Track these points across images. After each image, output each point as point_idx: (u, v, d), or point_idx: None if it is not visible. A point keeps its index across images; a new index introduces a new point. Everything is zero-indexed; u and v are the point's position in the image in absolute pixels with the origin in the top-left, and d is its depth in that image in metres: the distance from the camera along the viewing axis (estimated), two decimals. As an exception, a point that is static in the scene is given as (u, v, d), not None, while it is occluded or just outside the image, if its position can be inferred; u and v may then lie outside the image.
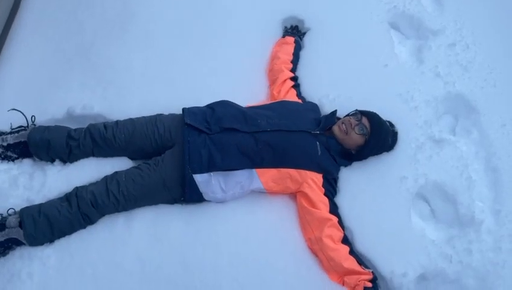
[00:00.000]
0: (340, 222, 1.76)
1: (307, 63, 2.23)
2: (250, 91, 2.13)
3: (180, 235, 1.69)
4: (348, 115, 1.91)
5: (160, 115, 1.86)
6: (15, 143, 1.74)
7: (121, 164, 1.82)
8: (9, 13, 2.39)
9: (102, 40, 2.20)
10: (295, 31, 2.40)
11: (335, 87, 2.13)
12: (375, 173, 1.87)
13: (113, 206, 1.65)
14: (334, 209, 1.77)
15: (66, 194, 1.66)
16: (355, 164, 1.90)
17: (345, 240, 1.72)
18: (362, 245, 1.73)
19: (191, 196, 1.71)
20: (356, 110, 1.89)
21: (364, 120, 1.84)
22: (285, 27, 2.43)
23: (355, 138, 1.82)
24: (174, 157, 1.73)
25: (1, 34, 2.26)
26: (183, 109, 1.83)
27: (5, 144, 1.73)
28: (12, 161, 1.77)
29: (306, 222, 1.75)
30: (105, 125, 1.79)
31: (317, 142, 1.80)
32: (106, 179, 1.69)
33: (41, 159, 1.79)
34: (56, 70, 2.05)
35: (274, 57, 2.21)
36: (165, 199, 1.73)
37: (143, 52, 2.15)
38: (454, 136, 2.06)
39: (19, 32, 2.20)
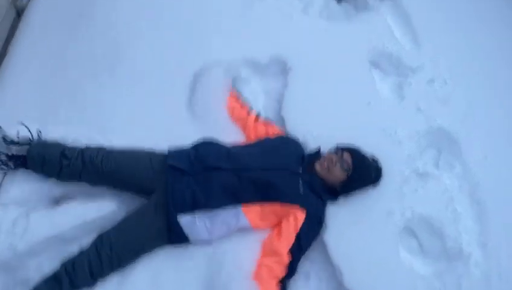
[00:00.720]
0: (292, 266, 1.73)
1: (291, 101, 2.27)
2: (234, 131, 2.16)
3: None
4: (329, 152, 1.93)
5: (152, 154, 1.87)
6: (17, 155, 1.82)
7: (105, 207, 1.82)
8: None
9: (88, 79, 2.24)
10: None
11: (319, 124, 2.16)
12: (362, 207, 1.88)
13: (109, 269, 1.65)
14: (296, 251, 1.74)
15: (55, 273, 1.62)
16: (342, 200, 1.91)
17: (283, 283, 1.70)
18: (350, 281, 1.72)
19: (176, 239, 1.71)
20: (337, 146, 1.92)
21: (346, 155, 1.86)
22: None
23: (337, 174, 1.84)
24: (159, 201, 1.73)
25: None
26: (168, 151, 1.85)
27: (10, 153, 1.82)
28: (8, 169, 1.85)
29: (263, 244, 1.76)
30: (99, 151, 1.83)
31: (300, 181, 1.81)
32: (96, 245, 1.66)
33: (36, 173, 1.85)
34: (43, 107, 2.07)
35: (232, 117, 2.20)
36: (155, 246, 1.72)
37: (129, 92, 2.19)
38: (437, 169, 2.10)
39: (9, 69, 2.27)
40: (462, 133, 2.17)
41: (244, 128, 2.15)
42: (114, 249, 1.63)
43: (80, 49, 2.41)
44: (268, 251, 1.74)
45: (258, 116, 2.17)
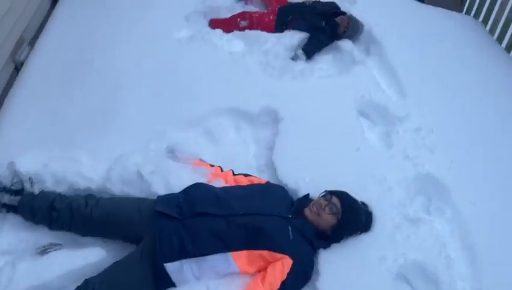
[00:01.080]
0: None
1: (283, 149, 2.32)
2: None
3: None
4: (318, 197, 1.94)
5: (142, 202, 1.87)
6: (9, 205, 1.89)
7: (93, 256, 1.79)
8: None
9: (82, 133, 2.28)
10: None
11: (310, 170, 2.19)
12: (355, 254, 1.87)
13: None
14: None
15: None
16: (334, 246, 1.89)
17: None
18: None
19: (163, 286, 1.67)
20: (326, 190, 1.94)
21: (335, 199, 1.87)
22: None
23: (327, 218, 1.84)
24: (145, 248, 1.72)
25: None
26: (157, 197, 1.87)
27: (2, 201, 1.89)
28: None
29: (247, 288, 1.70)
30: (87, 200, 1.84)
31: (289, 227, 1.80)
32: None
33: (28, 221, 1.90)
34: (37, 155, 2.07)
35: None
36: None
37: (121, 143, 2.22)
38: (429, 215, 2.11)
39: (5, 119, 2.34)
40: (450, 179, 2.21)
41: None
42: None
43: (76, 104, 2.49)
44: None
45: (233, 172, 2.14)
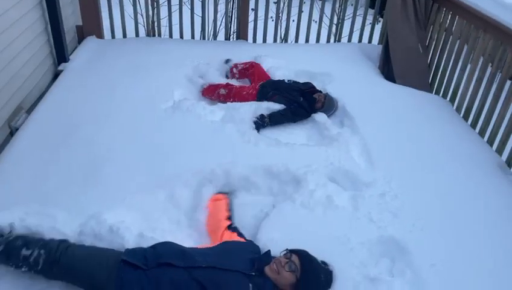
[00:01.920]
0: None
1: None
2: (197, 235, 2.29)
3: None
4: (279, 255, 2.00)
5: (107, 251, 1.95)
6: None
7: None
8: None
9: (62, 191, 2.44)
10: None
11: (277, 230, 2.29)
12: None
13: None
14: None
15: None
16: (295, 304, 1.93)
17: None
18: None
19: None
20: (286, 249, 2.01)
21: (294, 257, 1.94)
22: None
23: (286, 276, 1.89)
24: None
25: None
26: (125, 249, 1.96)
27: None
28: None
29: None
30: (59, 245, 1.92)
31: (250, 284, 1.86)
32: None
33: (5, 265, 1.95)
34: (13, 214, 2.16)
35: (210, 215, 2.41)
36: None
37: (98, 203, 2.34)
38: (392, 277, 2.16)
39: None
40: (411, 242, 2.28)
41: (213, 231, 2.28)
42: None
43: (61, 164, 2.70)
44: None
45: (230, 225, 2.30)
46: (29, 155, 2.77)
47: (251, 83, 3.93)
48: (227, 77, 4.09)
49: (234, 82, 3.98)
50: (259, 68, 4.02)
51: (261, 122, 3.32)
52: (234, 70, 4.08)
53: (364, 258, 2.19)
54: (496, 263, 2.25)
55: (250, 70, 4.00)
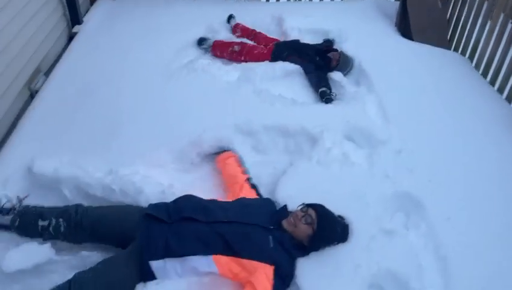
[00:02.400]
0: None
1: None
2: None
3: None
4: (296, 209, 2.06)
5: (129, 207, 2.03)
6: (2, 225, 2.03)
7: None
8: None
9: (85, 149, 2.51)
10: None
11: (294, 187, 2.35)
12: (331, 261, 1.97)
13: None
14: None
15: None
16: (312, 254, 2.00)
17: None
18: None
19: (147, 279, 1.82)
20: (303, 203, 2.06)
21: (311, 211, 2.00)
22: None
23: (303, 229, 1.96)
24: (134, 247, 1.87)
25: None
26: (149, 204, 2.03)
27: None
28: None
29: None
30: (77, 210, 1.97)
31: (270, 236, 1.93)
32: (69, 282, 1.76)
33: (21, 237, 2.02)
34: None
35: (223, 173, 2.45)
36: (126, 287, 1.81)
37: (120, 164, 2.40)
38: (406, 230, 2.22)
39: (16, 140, 2.65)
40: (426, 197, 2.32)
41: (232, 185, 2.33)
42: (84, 286, 1.72)
43: (81, 124, 2.76)
44: None
45: (248, 179, 2.35)
46: (50, 116, 2.83)
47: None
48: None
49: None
50: (262, 35, 3.98)
51: (330, 96, 3.24)
52: (237, 30, 4.06)
53: (380, 213, 2.24)
54: (509, 216, 2.28)
55: (252, 35, 3.98)
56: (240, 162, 2.48)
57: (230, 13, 4.24)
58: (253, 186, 2.32)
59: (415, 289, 1.90)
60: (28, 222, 1.99)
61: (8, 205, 2.08)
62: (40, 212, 1.99)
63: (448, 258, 2.03)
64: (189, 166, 2.51)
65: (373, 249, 2.04)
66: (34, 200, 2.17)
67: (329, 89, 3.30)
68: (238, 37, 4.01)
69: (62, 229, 1.95)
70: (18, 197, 2.12)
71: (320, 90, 3.27)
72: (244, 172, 2.40)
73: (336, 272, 1.95)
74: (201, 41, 3.79)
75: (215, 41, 3.74)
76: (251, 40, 3.94)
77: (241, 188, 2.27)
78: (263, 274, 1.85)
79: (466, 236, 2.14)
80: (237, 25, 4.11)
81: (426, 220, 2.22)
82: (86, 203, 2.11)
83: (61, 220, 1.96)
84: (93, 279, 1.75)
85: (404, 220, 2.28)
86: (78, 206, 2.02)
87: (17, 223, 2.00)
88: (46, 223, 1.96)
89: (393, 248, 2.06)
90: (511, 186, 2.47)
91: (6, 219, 2.03)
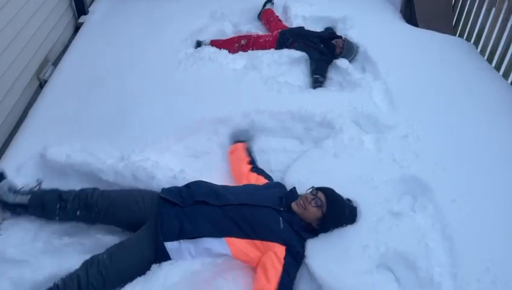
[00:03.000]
0: None
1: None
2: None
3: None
4: (305, 192, 2.10)
5: (142, 191, 2.08)
6: (21, 204, 2.08)
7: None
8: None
9: (97, 136, 2.56)
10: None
11: (303, 171, 2.39)
12: (339, 242, 2.02)
13: (98, 286, 1.77)
14: (286, 282, 1.87)
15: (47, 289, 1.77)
16: (321, 235, 2.05)
17: None
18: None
19: (161, 260, 1.87)
20: (312, 187, 2.11)
21: (320, 194, 2.05)
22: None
23: (312, 211, 2.01)
24: (149, 229, 1.92)
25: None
26: (162, 189, 2.08)
27: (15, 201, 2.08)
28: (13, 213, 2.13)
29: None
30: (93, 192, 2.03)
31: (280, 218, 1.99)
32: (86, 264, 1.82)
33: (38, 217, 2.10)
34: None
35: (232, 164, 2.50)
36: (141, 268, 1.86)
37: (130, 150, 2.46)
38: (414, 212, 2.26)
39: (27, 129, 2.70)
40: (433, 180, 2.36)
41: (239, 175, 2.37)
42: (101, 267, 1.77)
43: (91, 112, 2.81)
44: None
45: (253, 168, 2.39)
46: (61, 104, 2.88)
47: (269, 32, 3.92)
48: None
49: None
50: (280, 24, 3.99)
51: (320, 83, 3.34)
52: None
53: (388, 196, 2.27)
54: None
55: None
56: (247, 152, 2.52)
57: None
58: (260, 172, 2.36)
59: (422, 268, 1.94)
60: (47, 202, 2.05)
61: (25, 189, 2.14)
62: (59, 194, 2.06)
63: (454, 238, 2.07)
64: (200, 152, 2.55)
65: (381, 230, 2.08)
66: (48, 186, 2.23)
67: (324, 77, 3.37)
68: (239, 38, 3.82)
69: (79, 209, 2.01)
70: (38, 179, 2.20)
71: (314, 76, 3.36)
72: (249, 162, 2.43)
73: (345, 253, 1.99)
74: (198, 45, 3.70)
75: (212, 41, 3.72)
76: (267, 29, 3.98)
77: (247, 178, 2.31)
78: (274, 255, 1.90)
79: (472, 217, 2.17)
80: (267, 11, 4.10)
81: (433, 202, 2.26)
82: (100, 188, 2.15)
83: (78, 200, 2.02)
84: (110, 260, 1.81)
85: (411, 202, 2.32)
86: (94, 189, 2.08)
87: (35, 203, 2.06)
88: (64, 203, 2.02)
89: (401, 229, 2.10)
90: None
91: (24, 199, 2.09)
